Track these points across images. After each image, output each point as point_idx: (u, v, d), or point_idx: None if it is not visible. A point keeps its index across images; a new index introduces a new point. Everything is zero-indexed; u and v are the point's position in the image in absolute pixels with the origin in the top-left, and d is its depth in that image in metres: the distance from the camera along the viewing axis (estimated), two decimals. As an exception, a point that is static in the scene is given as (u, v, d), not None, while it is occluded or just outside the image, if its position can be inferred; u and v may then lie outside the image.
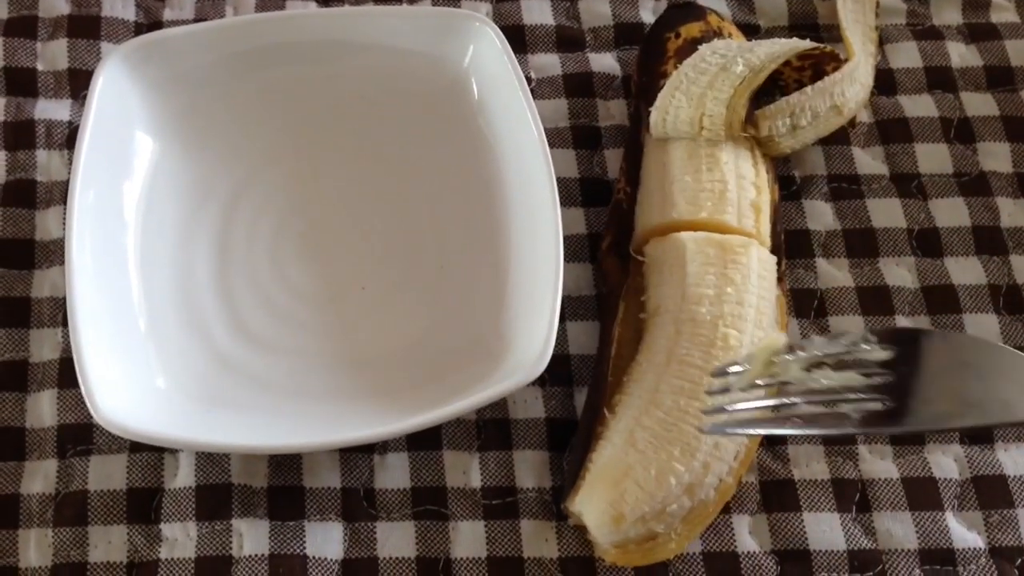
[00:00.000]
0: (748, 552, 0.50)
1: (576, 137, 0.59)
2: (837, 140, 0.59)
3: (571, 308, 0.55)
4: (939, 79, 0.61)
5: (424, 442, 0.52)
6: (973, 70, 0.62)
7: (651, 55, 0.59)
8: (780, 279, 0.54)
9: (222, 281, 0.54)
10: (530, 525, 0.50)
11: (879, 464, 0.52)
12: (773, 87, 0.59)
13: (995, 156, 0.59)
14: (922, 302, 0.56)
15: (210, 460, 0.51)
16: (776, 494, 0.51)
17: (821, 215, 0.58)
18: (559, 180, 0.53)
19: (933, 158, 0.59)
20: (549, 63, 0.62)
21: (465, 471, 0.51)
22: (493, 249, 0.54)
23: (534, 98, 0.55)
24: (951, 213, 0.58)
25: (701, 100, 0.54)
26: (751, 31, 0.63)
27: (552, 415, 0.52)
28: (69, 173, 0.55)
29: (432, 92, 0.58)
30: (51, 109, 0.59)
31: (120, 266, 0.53)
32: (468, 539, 0.50)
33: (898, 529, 0.50)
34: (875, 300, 0.55)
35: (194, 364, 0.52)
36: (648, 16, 0.63)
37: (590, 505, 0.48)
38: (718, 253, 0.51)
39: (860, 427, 0.43)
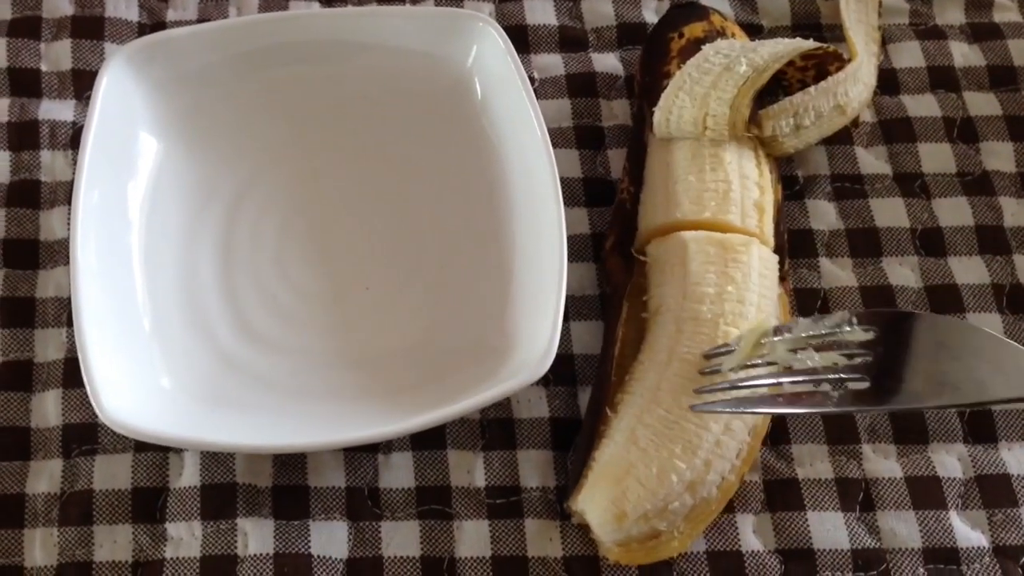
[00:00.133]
0: (752, 551, 0.50)
1: (579, 137, 0.59)
2: (840, 140, 0.59)
3: (575, 308, 0.55)
4: (942, 79, 0.61)
5: (428, 442, 0.52)
6: (976, 70, 0.62)
7: (654, 55, 0.59)
8: (783, 279, 0.54)
9: (226, 281, 0.54)
10: (534, 524, 0.50)
11: (883, 463, 0.52)
12: (776, 87, 0.59)
13: (998, 156, 0.59)
14: (925, 302, 0.56)
15: (215, 460, 0.51)
16: (780, 493, 0.51)
17: (824, 215, 0.58)
18: (562, 180, 0.53)
19: (936, 158, 0.59)
20: (552, 63, 0.62)
21: (469, 470, 0.51)
22: (497, 249, 0.54)
23: (537, 98, 0.55)
24: (954, 213, 0.58)
25: (705, 100, 0.54)
26: (754, 31, 0.63)
27: (556, 415, 0.52)
28: (73, 173, 0.55)
29: (435, 92, 0.58)
30: (55, 110, 0.59)
31: (124, 266, 0.53)
32: (472, 538, 0.50)
33: (902, 528, 0.50)
34: (879, 300, 0.55)
35: (198, 364, 0.52)
36: (651, 16, 0.63)
37: (592, 503, 0.48)
38: (719, 252, 0.51)
39: (840, 406, 0.45)
